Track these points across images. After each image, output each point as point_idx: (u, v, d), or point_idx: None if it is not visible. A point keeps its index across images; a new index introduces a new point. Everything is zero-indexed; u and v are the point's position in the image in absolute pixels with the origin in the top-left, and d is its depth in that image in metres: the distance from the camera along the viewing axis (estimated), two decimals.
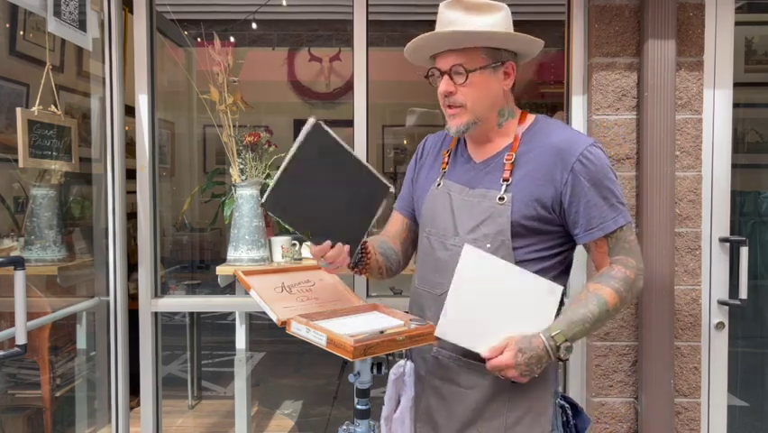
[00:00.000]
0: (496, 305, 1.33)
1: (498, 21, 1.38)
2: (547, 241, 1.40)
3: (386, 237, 1.65)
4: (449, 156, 1.55)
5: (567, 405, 1.47)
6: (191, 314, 3.71)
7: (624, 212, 1.40)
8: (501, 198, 1.38)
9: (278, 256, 2.53)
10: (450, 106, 1.42)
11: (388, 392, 1.54)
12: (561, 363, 1.36)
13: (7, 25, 2.77)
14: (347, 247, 1.36)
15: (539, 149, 1.40)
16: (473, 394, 1.40)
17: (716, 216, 2.24)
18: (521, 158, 1.41)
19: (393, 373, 1.53)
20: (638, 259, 1.41)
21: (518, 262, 1.37)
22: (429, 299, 1.48)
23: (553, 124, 1.46)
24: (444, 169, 1.54)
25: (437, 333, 1.32)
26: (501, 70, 1.42)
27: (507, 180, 1.40)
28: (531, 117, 1.49)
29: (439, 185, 1.52)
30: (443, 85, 1.40)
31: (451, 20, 1.38)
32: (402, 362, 1.53)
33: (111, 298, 2.40)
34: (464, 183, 1.47)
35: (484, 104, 1.41)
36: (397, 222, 1.67)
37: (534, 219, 1.37)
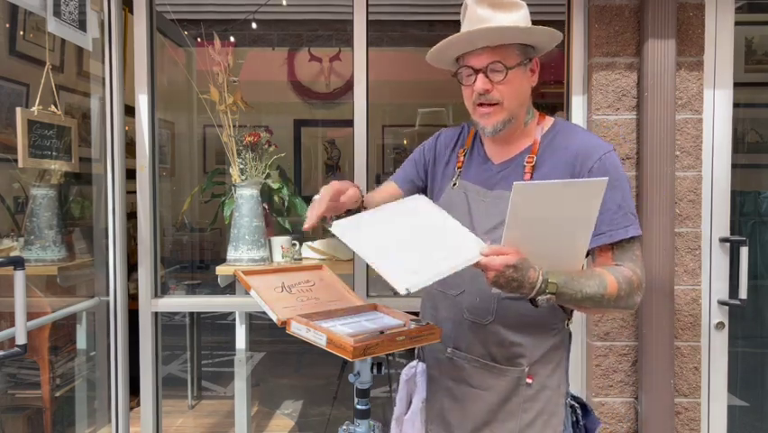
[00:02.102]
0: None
1: (523, 17, 1.37)
2: None
3: (371, 200, 1.58)
4: (465, 155, 1.53)
5: (577, 405, 1.45)
6: (191, 314, 3.71)
7: (636, 224, 1.35)
8: None
9: (278, 256, 2.53)
10: (482, 105, 1.39)
11: (400, 393, 1.54)
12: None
13: (7, 25, 2.77)
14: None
15: (560, 152, 1.38)
16: (488, 396, 1.39)
17: (716, 216, 2.24)
18: (541, 161, 1.39)
19: (405, 373, 1.53)
20: (643, 276, 1.35)
21: None
22: (443, 300, 1.47)
23: (573, 128, 1.45)
24: (460, 168, 1.52)
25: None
26: (529, 68, 1.41)
27: None
28: (549, 120, 1.46)
29: (455, 185, 1.50)
30: (480, 83, 1.36)
31: (482, 17, 1.36)
32: (414, 363, 1.53)
33: (111, 298, 2.40)
34: (481, 184, 1.45)
35: (518, 101, 1.40)
36: (387, 192, 1.61)
37: None
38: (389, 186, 1.64)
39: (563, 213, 1.24)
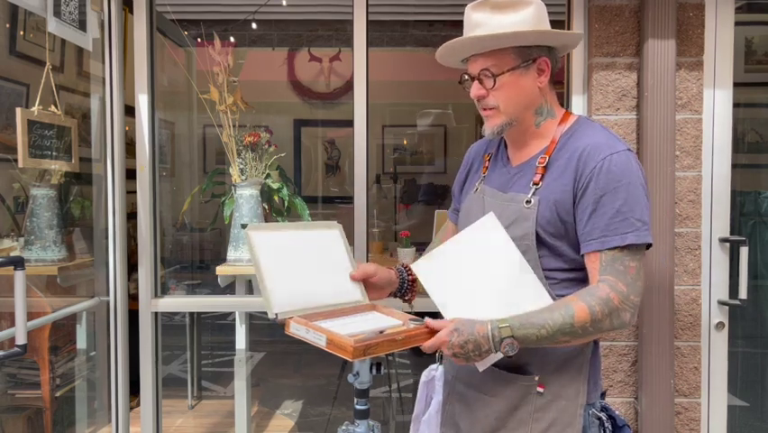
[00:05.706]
0: (479, 280, 1.32)
1: (526, 17, 1.32)
2: (575, 250, 1.34)
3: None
4: (490, 160, 1.52)
5: (605, 417, 1.37)
6: (191, 314, 3.71)
7: (640, 231, 1.26)
8: (528, 202, 1.34)
9: None
10: (484, 109, 1.39)
11: (419, 394, 1.56)
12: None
13: (7, 25, 2.77)
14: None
15: (570, 153, 1.34)
16: (497, 403, 1.37)
17: (716, 216, 2.24)
18: (553, 162, 1.36)
19: (425, 375, 1.55)
20: (631, 289, 1.26)
21: (544, 270, 1.33)
22: None
23: (590, 128, 1.38)
24: (484, 173, 1.51)
25: (412, 263, 1.34)
26: (534, 68, 1.36)
27: (537, 184, 1.35)
28: (573, 118, 1.42)
29: (476, 190, 1.50)
30: (474, 90, 1.37)
31: (476, 22, 1.34)
32: (435, 365, 1.54)
33: (111, 298, 2.40)
34: (498, 187, 1.44)
35: (518, 104, 1.37)
36: (449, 232, 1.65)
37: (559, 224, 1.32)
38: (448, 226, 1.68)
39: (474, 258, 1.31)
